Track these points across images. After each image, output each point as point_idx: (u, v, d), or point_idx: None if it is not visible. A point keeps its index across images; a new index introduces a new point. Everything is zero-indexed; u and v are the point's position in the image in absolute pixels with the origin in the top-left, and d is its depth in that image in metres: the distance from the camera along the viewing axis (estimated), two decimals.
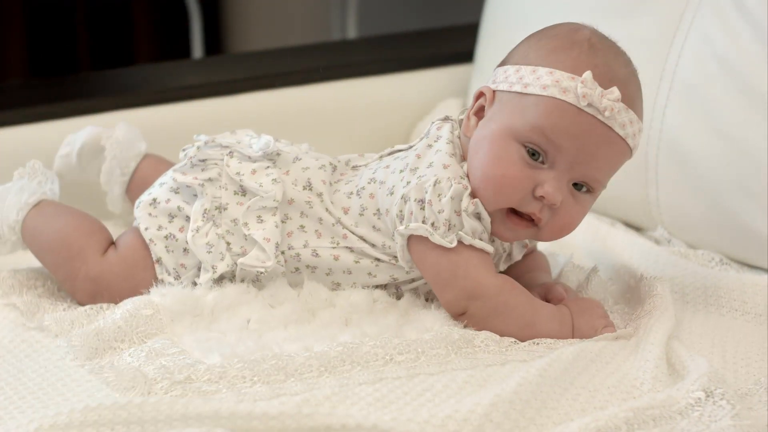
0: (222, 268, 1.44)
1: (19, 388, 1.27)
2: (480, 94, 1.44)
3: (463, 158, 1.43)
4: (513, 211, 1.39)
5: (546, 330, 1.38)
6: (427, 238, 1.38)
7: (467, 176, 1.40)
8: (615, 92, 1.36)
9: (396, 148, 1.50)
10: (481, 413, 1.18)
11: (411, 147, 1.48)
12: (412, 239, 1.40)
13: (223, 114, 1.98)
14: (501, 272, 1.48)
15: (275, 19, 3.22)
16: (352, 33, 2.98)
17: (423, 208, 1.38)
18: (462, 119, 1.46)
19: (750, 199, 1.63)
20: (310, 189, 1.46)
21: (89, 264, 1.48)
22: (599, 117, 1.36)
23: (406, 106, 2.09)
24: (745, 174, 1.63)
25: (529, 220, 1.40)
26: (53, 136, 1.71)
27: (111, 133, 1.64)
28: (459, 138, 1.45)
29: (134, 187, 1.63)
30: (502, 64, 1.44)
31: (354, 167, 1.50)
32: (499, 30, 2.01)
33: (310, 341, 1.35)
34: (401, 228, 1.39)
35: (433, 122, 1.48)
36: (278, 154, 1.49)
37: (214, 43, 3.19)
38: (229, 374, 1.26)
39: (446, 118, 1.48)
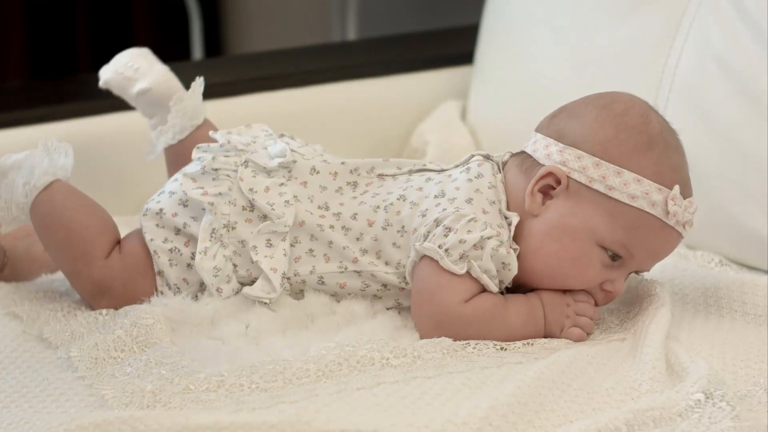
0: (227, 291, 1.43)
1: (22, 404, 1.27)
2: (548, 174, 1.40)
3: (508, 207, 1.42)
4: None
5: (520, 338, 1.38)
6: (436, 262, 1.37)
7: (509, 230, 1.40)
8: (693, 206, 1.40)
9: (426, 167, 1.48)
10: (480, 416, 1.18)
11: (443, 171, 1.47)
12: (423, 259, 1.39)
13: (223, 115, 1.97)
14: None
15: (275, 20, 3.22)
16: (352, 34, 2.98)
17: (446, 235, 1.37)
18: (505, 162, 1.45)
19: (749, 200, 1.63)
20: (327, 209, 1.45)
21: (93, 267, 1.46)
22: (678, 228, 1.40)
23: (405, 107, 2.09)
24: (745, 175, 1.63)
25: None
26: (53, 138, 1.71)
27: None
28: (502, 183, 1.43)
29: None
30: (561, 135, 1.41)
31: (380, 175, 1.48)
32: (499, 32, 2.01)
33: (306, 346, 1.34)
34: (417, 244, 1.38)
35: (473, 155, 1.47)
36: (294, 162, 1.47)
37: (214, 44, 3.19)
38: (228, 382, 1.26)
39: (487, 157, 1.46)
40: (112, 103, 1.86)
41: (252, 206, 1.45)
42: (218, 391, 1.25)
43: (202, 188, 1.46)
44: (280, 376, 1.27)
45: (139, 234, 1.48)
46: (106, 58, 1.67)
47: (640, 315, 1.43)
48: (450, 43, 2.25)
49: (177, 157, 1.59)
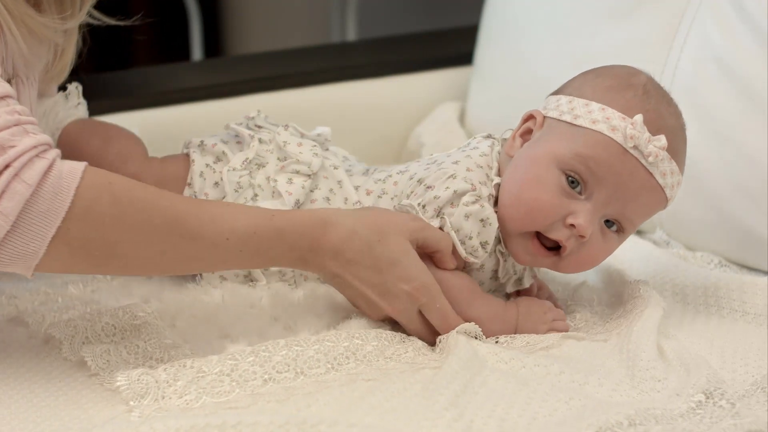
0: None
1: (35, 401, 1.26)
2: (529, 117, 1.44)
3: (498, 174, 1.43)
4: (538, 238, 1.39)
5: (487, 332, 1.39)
6: None
7: (493, 190, 1.41)
8: (662, 140, 1.37)
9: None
10: (472, 412, 1.20)
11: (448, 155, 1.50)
12: None
13: (222, 116, 1.97)
14: (507, 293, 1.49)
15: (275, 21, 3.22)
16: (351, 35, 2.98)
17: (426, 192, 1.40)
18: (505, 138, 1.47)
19: (749, 201, 1.63)
20: (348, 172, 1.52)
21: (130, 164, 1.52)
22: (642, 161, 1.37)
23: (405, 108, 2.09)
24: (744, 176, 1.63)
25: (552, 250, 1.39)
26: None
27: None
28: (499, 154, 1.45)
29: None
30: (556, 93, 1.45)
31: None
32: (499, 32, 2.01)
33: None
34: (396, 203, 1.42)
35: (474, 137, 1.50)
36: (327, 149, 1.55)
37: (214, 45, 3.19)
38: (240, 368, 1.26)
39: (489, 136, 1.49)
40: (111, 103, 1.86)
41: (285, 159, 1.51)
42: (231, 375, 1.25)
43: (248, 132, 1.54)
44: (292, 364, 1.28)
45: (179, 155, 1.55)
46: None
47: (624, 317, 1.43)
48: (449, 44, 2.25)
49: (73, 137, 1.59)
